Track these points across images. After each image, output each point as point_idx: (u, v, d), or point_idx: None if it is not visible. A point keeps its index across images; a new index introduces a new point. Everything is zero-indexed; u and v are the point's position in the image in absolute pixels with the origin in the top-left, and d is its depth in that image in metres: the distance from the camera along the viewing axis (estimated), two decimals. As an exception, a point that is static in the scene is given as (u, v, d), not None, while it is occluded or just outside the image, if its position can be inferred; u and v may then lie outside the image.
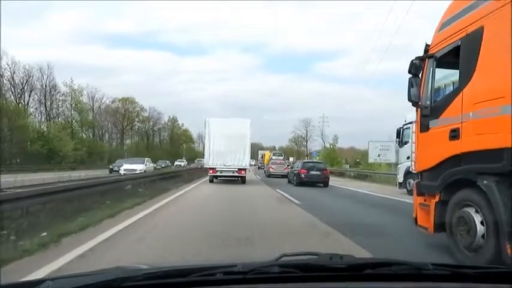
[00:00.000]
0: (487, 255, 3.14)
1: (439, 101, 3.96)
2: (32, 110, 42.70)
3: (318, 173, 17.12)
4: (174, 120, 71.43)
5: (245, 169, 15.61)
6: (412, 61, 4.08)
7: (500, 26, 3.11)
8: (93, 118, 54.48)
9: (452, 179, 3.60)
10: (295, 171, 18.17)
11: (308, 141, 62.83)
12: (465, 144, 3.46)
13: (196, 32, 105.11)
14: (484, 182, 3.17)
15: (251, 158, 20.27)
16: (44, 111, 43.95)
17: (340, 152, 45.78)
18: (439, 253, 3.97)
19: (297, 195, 11.00)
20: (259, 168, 40.52)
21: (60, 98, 45.91)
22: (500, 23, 3.11)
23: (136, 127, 66.63)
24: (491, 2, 3.26)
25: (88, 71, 77.12)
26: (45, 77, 42.72)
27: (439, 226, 3.77)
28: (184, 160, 52.92)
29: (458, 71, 3.69)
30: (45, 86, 43.35)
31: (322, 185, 16.78)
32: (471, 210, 3.37)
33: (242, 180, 15.78)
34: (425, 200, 4.08)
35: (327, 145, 46.65)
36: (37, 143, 32.82)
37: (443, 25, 4.02)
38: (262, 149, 53.97)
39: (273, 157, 30.16)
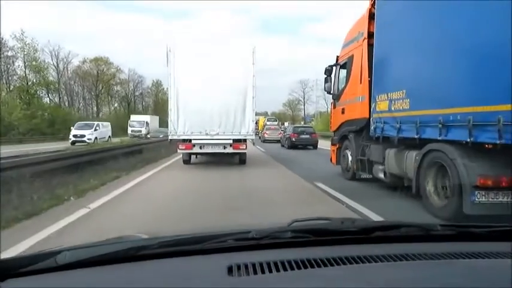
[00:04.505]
0: (351, 172, 7.74)
1: (338, 92, 8.38)
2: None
3: (308, 136, 21.75)
4: (158, 85, 72.69)
5: (245, 141, 10.51)
6: (326, 67, 8.43)
7: (357, 56, 7.42)
8: (58, 80, 53.10)
9: (341, 135, 8.17)
10: (287, 136, 22.82)
11: (306, 104, 67.71)
12: (346, 117, 7.94)
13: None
14: (350, 135, 7.70)
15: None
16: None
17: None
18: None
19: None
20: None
21: (9, 54, 42.30)
22: (357, 55, 7.41)
23: (115, 91, 67.93)
24: (356, 42, 7.52)
25: (67, 38, 78.76)
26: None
27: (337, 161, 8.41)
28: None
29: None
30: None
31: (311, 147, 21.39)
32: (347, 151, 7.93)
33: (240, 160, 11.18)
34: (335, 148, 8.63)
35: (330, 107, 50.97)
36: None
37: (343, 46, 8.32)
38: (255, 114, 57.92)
39: (268, 123, 34.81)
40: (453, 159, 4.55)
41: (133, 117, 41.37)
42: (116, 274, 1.04)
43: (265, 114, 64.34)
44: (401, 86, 5.74)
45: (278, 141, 27.22)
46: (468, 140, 4.31)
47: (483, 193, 4.27)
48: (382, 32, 6.47)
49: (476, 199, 4.27)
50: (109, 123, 30.25)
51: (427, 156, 5.16)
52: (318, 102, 60.76)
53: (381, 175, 6.66)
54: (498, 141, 3.92)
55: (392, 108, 5.99)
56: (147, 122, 38.24)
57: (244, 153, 10.96)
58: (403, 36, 5.80)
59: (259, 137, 33.97)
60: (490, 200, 4.27)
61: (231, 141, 10.28)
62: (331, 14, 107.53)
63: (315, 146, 21.52)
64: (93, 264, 1.06)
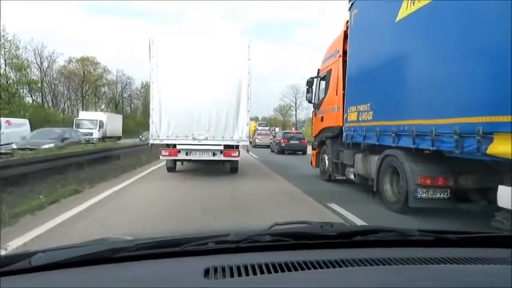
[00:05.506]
0: (328, 174, 8.99)
1: (318, 101, 9.64)
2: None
3: (297, 142, 23.05)
4: (147, 87, 70.57)
5: (238, 147, 9.80)
6: (307, 79, 9.69)
7: (334, 71, 8.68)
8: (41, 79, 52.55)
9: (320, 141, 9.44)
10: (276, 141, 24.12)
11: (297, 110, 69.52)
12: (324, 124, 9.21)
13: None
14: (327, 141, 8.96)
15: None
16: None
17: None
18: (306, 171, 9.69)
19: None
20: None
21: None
22: (334, 70, 8.67)
23: (102, 92, 67.83)
24: (334, 58, 8.78)
25: (52, 38, 78.46)
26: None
27: (317, 164, 9.67)
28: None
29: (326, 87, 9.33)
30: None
31: (301, 152, 22.67)
32: (325, 155, 9.18)
33: (232, 168, 10.58)
34: (315, 152, 9.87)
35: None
36: None
37: (323, 60, 9.59)
38: None
39: (259, 128, 36.06)
40: (402, 162, 5.79)
41: (82, 115, 32.21)
42: (91, 276, 1.05)
43: (256, 119, 66.02)
44: (367, 100, 6.98)
45: (269, 146, 28.45)
46: (412, 147, 5.54)
47: (424, 190, 5.48)
48: (352, 53, 7.74)
49: (418, 195, 5.47)
50: (26, 121, 21.37)
51: (385, 160, 6.39)
52: (309, 109, 62.03)
53: (352, 176, 7.88)
54: (431, 148, 5.15)
55: (360, 119, 7.23)
56: (101, 122, 30.07)
57: (236, 161, 10.02)
58: (368, 59, 7.07)
59: (250, 142, 35.24)
60: (430, 196, 5.49)
61: (221, 148, 9.33)
62: (323, 19, 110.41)
63: (304, 152, 22.79)
64: (70, 266, 1.07)
